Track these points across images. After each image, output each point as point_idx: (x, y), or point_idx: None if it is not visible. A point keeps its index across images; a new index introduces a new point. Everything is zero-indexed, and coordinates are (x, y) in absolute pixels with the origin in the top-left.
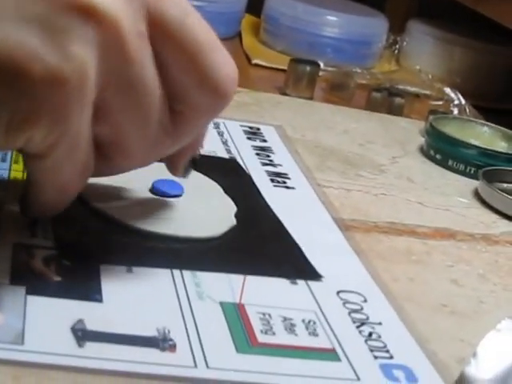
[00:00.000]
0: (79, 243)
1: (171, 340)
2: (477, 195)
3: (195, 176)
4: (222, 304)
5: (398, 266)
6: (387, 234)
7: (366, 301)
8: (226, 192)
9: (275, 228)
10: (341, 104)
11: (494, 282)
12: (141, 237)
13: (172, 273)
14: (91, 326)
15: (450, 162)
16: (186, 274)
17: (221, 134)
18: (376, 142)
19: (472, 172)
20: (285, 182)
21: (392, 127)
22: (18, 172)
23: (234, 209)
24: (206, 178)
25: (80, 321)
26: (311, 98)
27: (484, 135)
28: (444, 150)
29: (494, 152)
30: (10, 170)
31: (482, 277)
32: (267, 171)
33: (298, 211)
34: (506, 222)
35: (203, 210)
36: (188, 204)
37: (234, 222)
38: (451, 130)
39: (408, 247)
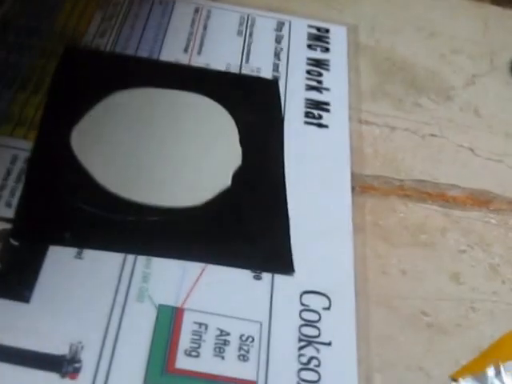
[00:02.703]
0: (39, 217)
1: (78, 362)
2: None
3: (216, 113)
4: (159, 308)
5: (398, 251)
6: (408, 200)
7: (329, 307)
8: (244, 130)
9: (274, 192)
10: None
11: (504, 277)
12: (109, 206)
13: (124, 261)
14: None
15: None
16: (140, 261)
17: (278, 41)
18: (463, 51)
19: None
20: (320, 117)
21: (497, 26)
22: None
23: (238, 162)
24: (226, 115)
25: None
26: None
27: None
28: None
29: None
30: None
31: (493, 269)
32: (307, 100)
33: (315, 163)
34: None
35: (200, 163)
36: (187, 153)
37: (228, 182)
38: None
39: (423, 221)
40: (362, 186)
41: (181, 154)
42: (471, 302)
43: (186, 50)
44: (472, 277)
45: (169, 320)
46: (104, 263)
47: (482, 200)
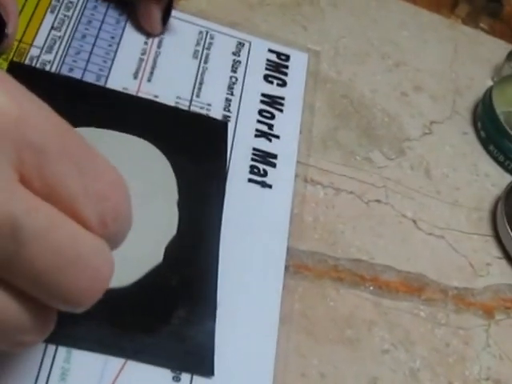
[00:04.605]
0: None
1: None
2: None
3: (158, 167)
4: None
5: (321, 349)
6: (340, 285)
7: None
8: (184, 188)
9: (206, 273)
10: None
11: None
12: None
13: (44, 352)
14: None
15: (492, 148)
16: (60, 353)
17: (234, 69)
18: (427, 88)
19: (510, 168)
20: (265, 174)
21: (466, 52)
22: None
23: (173, 233)
24: (167, 169)
25: None
26: None
27: None
28: (489, 131)
29: None
30: None
31: (413, 375)
32: (255, 150)
33: (252, 233)
34: (503, 264)
35: (133, 234)
36: None
37: (160, 259)
38: None
39: (352, 311)
40: (296, 264)
41: None
42: None
43: (136, 75)
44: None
45: None
46: (24, 356)
47: (414, 287)
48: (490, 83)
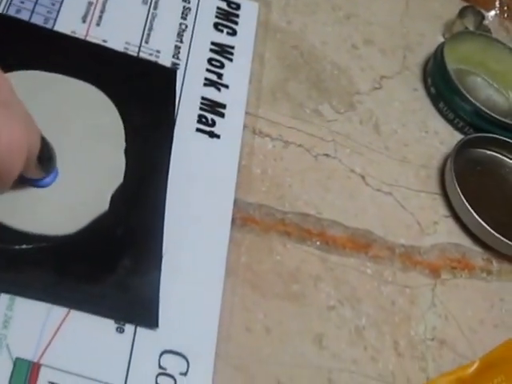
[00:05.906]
0: None
1: None
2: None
3: (105, 112)
4: (16, 363)
5: (267, 303)
6: (287, 238)
7: (186, 372)
8: (131, 134)
9: (152, 223)
10: None
11: (367, 342)
12: None
13: None
14: None
15: (442, 105)
16: (3, 301)
17: (184, 16)
18: (377, 42)
19: (460, 126)
20: (213, 124)
21: (418, 8)
22: None
23: (119, 180)
24: (115, 115)
25: None
26: None
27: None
28: (439, 88)
29: (489, 116)
30: None
31: (358, 332)
32: (203, 99)
33: (199, 183)
34: (450, 222)
35: (79, 180)
36: (67, 166)
37: (105, 207)
38: (471, 48)
39: (299, 266)
40: (243, 217)
41: (61, 168)
42: (329, 372)
43: (84, 19)
44: (335, 340)
45: (23, 378)
46: None
47: (361, 243)
48: (440, 39)
